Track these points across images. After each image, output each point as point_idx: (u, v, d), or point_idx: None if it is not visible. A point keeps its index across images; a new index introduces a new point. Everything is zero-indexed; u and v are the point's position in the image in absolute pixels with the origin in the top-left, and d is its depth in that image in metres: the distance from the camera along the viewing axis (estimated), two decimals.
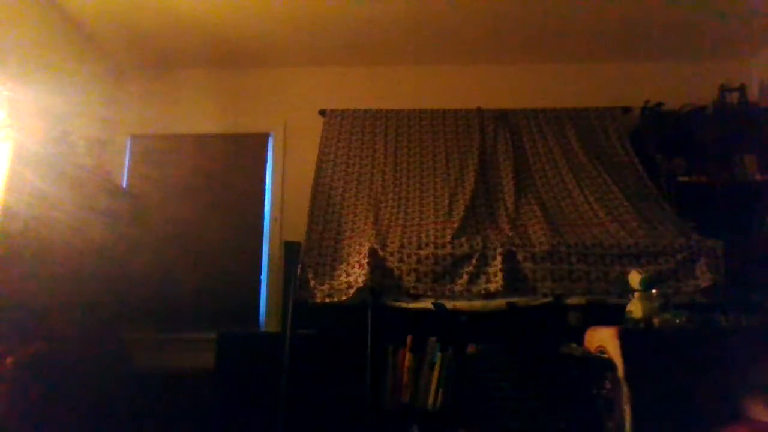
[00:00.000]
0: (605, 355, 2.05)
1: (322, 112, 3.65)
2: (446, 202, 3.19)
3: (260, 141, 3.68)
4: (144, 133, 3.67)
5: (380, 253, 2.75)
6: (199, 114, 3.67)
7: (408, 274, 2.72)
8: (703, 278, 2.62)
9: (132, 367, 2.81)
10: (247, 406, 2.65)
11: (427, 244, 2.79)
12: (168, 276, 3.35)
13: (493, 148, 3.49)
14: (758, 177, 3.24)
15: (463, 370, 2.57)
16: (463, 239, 2.81)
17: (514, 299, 2.64)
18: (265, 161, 3.64)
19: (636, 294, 2.28)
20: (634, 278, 2.33)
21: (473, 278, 2.70)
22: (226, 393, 2.67)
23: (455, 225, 2.98)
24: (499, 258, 2.69)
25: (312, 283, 2.83)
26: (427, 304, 2.67)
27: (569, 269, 2.69)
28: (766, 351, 1.93)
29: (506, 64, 3.75)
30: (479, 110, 3.62)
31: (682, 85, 3.57)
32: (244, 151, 3.68)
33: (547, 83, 3.73)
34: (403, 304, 2.68)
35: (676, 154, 3.32)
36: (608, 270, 2.68)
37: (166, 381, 2.88)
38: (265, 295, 3.37)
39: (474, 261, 2.72)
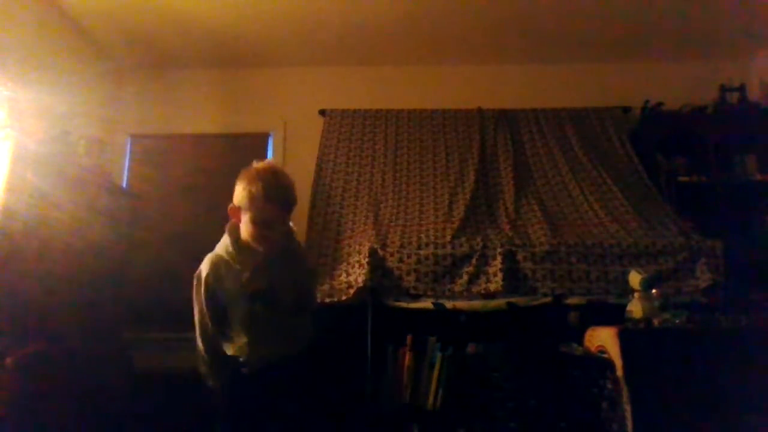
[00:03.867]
0: (605, 355, 2.05)
1: (322, 112, 3.65)
2: (446, 202, 3.19)
3: (260, 141, 3.68)
4: (144, 133, 3.67)
5: (380, 253, 2.75)
6: (199, 114, 3.66)
7: (408, 274, 2.71)
8: (703, 278, 2.62)
9: (132, 367, 2.81)
10: None
11: (427, 244, 2.79)
12: (168, 276, 3.34)
13: (493, 148, 3.49)
14: (758, 177, 3.24)
15: (463, 370, 2.57)
16: (463, 239, 2.81)
17: (514, 299, 2.63)
18: None
19: (636, 294, 2.28)
20: (634, 278, 2.33)
21: (473, 278, 2.70)
22: None
23: (455, 225, 2.97)
24: (499, 258, 2.69)
25: None
26: (427, 304, 2.66)
27: (569, 269, 2.69)
28: (766, 351, 1.93)
29: (506, 64, 3.75)
30: (479, 110, 3.62)
31: (682, 85, 3.57)
32: (244, 151, 3.67)
33: (547, 83, 3.73)
34: (403, 304, 2.68)
35: (676, 154, 3.33)
36: (608, 270, 2.68)
37: (166, 381, 2.88)
38: None
39: (474, 261, 2.72)
